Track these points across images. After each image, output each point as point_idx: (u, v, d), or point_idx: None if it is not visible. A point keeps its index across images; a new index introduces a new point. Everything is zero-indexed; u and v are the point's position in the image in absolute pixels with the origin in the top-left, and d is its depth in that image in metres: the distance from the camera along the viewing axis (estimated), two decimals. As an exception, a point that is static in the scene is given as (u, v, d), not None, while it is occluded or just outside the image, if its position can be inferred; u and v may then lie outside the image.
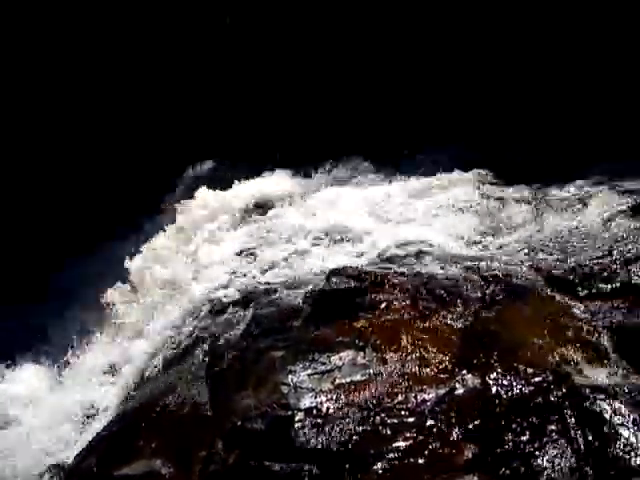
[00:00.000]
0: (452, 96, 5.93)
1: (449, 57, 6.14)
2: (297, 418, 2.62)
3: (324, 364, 2.89)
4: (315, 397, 2.71)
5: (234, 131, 6.48)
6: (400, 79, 6.24)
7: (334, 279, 3.47)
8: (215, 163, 6.28)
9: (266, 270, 3.98)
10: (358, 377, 2.81)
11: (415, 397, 2.69)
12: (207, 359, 3.38)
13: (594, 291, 3.16)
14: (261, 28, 6.69)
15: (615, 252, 3.30)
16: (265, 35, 6.65)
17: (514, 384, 2.65)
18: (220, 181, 5.63)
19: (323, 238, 4.37)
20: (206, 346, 3.49)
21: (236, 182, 5.59)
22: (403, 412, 2.63)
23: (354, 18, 6.40)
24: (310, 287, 3.51)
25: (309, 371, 2.87)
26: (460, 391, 2.69)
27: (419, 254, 3.91)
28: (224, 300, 3.72)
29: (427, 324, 3.11)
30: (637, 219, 3.46)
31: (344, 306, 3.26)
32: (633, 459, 2.32)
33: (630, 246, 3.30)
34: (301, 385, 2.80)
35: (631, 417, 2.41)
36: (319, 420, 2.61)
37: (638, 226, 3.42)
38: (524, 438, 2.44)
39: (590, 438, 2.40)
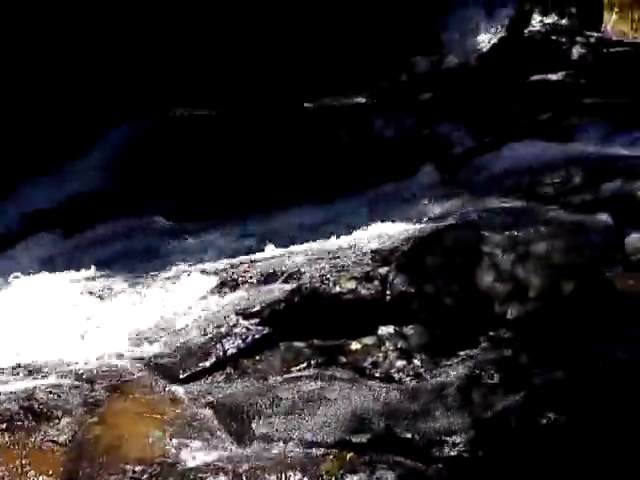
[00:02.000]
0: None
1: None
2: None
3: None
4: None
5: None
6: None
7: None
8: None
9: None
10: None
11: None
12: None
13: (194, 370, 3.28)
14: None
15: (209, 328, 3.49)
16: None
17: (122, 488, 2.55)
18: None
19: None
20: None
21: None
22: None
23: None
24: None
25: None
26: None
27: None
28: None
29: (28, 446, 2.83)
30: (223, 294, 3.75)
31: None
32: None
33: (222, 320, 3.53)
34: None
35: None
36: None
37: (226, 301, 3.69)
38: None
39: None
